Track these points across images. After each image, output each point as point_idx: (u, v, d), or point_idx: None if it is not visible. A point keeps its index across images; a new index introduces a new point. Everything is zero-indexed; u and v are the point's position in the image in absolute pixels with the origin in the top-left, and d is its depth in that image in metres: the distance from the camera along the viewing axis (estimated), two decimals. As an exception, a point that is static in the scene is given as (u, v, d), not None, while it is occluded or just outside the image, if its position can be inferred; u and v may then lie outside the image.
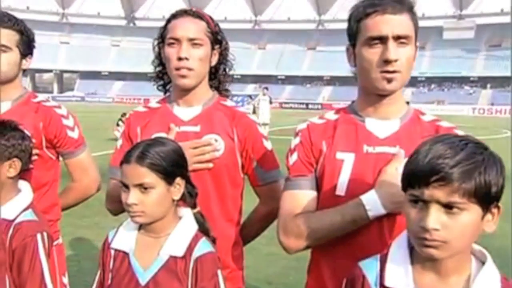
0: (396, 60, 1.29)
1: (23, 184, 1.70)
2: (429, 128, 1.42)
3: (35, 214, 1.63)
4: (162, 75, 1.81)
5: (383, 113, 1.40)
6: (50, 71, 64.59)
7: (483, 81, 55.21)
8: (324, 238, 1.36)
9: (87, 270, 4.20)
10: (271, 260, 4.43)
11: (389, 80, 1.32)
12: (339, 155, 1.39)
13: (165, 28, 1.70)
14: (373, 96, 1.39)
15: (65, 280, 1.99)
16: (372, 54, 1.32)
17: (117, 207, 1.70)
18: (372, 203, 1.30)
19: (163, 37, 1.71)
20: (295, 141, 1.48)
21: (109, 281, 1.41)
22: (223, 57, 1.78)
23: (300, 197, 1.42)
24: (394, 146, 1.38)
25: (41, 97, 2.03)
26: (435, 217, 0.94)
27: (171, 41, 1.65)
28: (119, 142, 1.80)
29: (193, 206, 1.48)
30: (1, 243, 1.53)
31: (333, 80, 61.12)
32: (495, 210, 0.99)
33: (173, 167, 1.38)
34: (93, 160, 2.12)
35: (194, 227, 1.43)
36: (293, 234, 1.38)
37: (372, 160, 1.37)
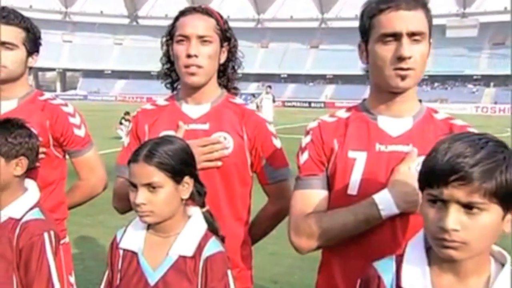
0: (410, 57, 1.27)
1: (29, 183, 1.68)
2: (443, 126, 1.40)
3: (42, 213, 1.61)
4: (170, 73, 1.79)
5: (396, 111, 1.38)
6: (53, 69, 64.66)
7: (486, 80, 55.01)
8: (336, 238, 1.34)
9: (92, 268, 4.19)
10: (276, 259, 4.42)
11: (403, 78, 1.29)
12: (351, 154, 1.37)
13: (173, 25, 1.68)
14: (385, 93, 1.37)
15: (72, 279, 1.98)
16: (386, 51, 1.29)
17: (124, 205, 1.69)
18: (385, 202, 1.28)
19: (171, 35, 1.69)
20: (306, 139, 1.45)
21: (118, 281, 1.39)
22: (232, 55, 1.76)
23: (311, 197, 1.40)
24: (407, 144, 1.35)
25: (47, 95, 2.02)
26: (455, 218, 0.92)
27: (180, 38, 1.63)
28: (127, 140, 1.78)
29: (202, 205, 1.46)
30: (8, 242, 1.52)
31: (336, 79, 61.06)
32: None
33: (182, 165, 1.37)
34: (100, 159, 2.11)
35: (204, 226, 1.41)
36: (304, 234, 1.36)
37: (385, 158, 1.35)
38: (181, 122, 1.67)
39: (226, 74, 1.78)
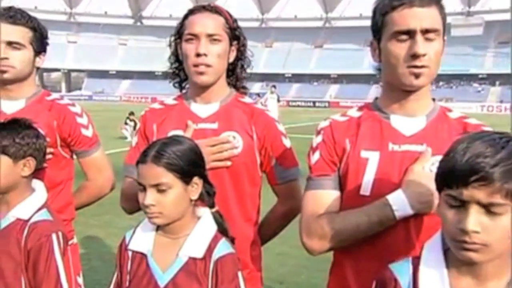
0: (424, 55, 1.24)
1: (37, 184, 1.67)
2: (457, 125, 1.37)
3: (50, 213, 1.60)
4: (178, 72, 1.77)
5: (409, 109, 1.36)
6: (58, 70, 64.92)
7: (492, 78, 54.75)
8: (349, 239, 1.32)
9: (98, 269, 4.19)
10: (283, 259, 4.40)
11: (417, 75, 1.27)
12: (364, 154, 1.34)
13: (182, 23, 1.66)
14: (398, 92, 1.34)
15: (80, 280, 1.97)
16: (399, 48, 1.27)
17: (132, 206, 1.67)
18: (399, 203, 1.26)
19: (180, 33, 1.67)
20: (317, 139, 1.43)
21: (127, 283, 1.38)
22: (241, 54, 1.74)
23: (323, 197, 1.37)
24: (420, 144, 1.33)
25: (54, 95, 2.01)
26: (475, 219, 0.89)
27: (189, 37, 1.61)
28: (134, 140, 1.76)
29: (211, 206, 1.44)
30: (16, 243, 1.51)
31: (340, 78, 60.96)
32: None
33: (190, 166, 1.35)
34: (108, 159, 2.10)
35: (213, 227, 1.39)
36: (316, 235, 1.34)
37: (398, 158, 1.32)
38: (190, 121, 1.65)
39: (235, 73, 1.76)
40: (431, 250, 1.04)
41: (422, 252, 1.05)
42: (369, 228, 1.29)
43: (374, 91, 58.34)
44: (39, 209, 1.58)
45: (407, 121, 1.35)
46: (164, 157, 1.30)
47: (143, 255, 1.37)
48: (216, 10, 1.65)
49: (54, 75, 70.60)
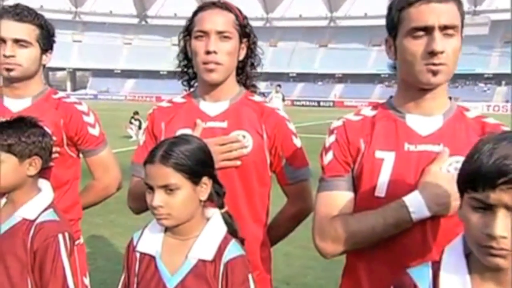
0: (442, 52, 1.20)
1: (43, 183, 1.65)
2: (474, 125, 1.33)
3: (56, 214, 1.58)
4: (187, 70, 1.74)
5: (425, 108, 1.32)
6: (63, 69, 65.17)
7: (498, 78, 54.42)
8: (363, 242, 1.28)
9: (104, 268, 4.18)
10: (289, 260, 4.37)
11: (435, 73, 1.23)
12: (379, 154, 1.30)
13: (191, 20, 1.63)
14: (415, 90, 1.30)
15: (86, 281, 1.95)
16: (416, 45, 1.23)
17: (140, 206, 1.64)
18: (416, 204, 1.22)
19: (189, 30, 1.64)
20: (330, 139, 1.39)
21: (135, 286, 1.34)
22: (251, 51, 1.70)
23: (336, 199, 1.34)
24: (437, 144, 1.29)
25: (61, 93, 1.98)
26: (504, 224, 0.85)
27: (199, 34, 1.57)
28: (142, 138, 1.73)
29: (221, 206, 1.41)
30: (22, 244, 1.48)
31: (345, 78, 60.85)
32: None
33: (199, 166, 1.31)
34: (115, 158, 2.07)
35: (223, 228, 1.36)
36: (330, 237, 1.30)
37: (414, 159, 1.28)
38: (199, 120, 1.62)
39: (245, 71, 1.72)
40: (452, 254, 1.00)
41: (442, 256, 1.01)
42: (385, 230, 1.25)
43: (378, 91, 58.25)
44: (46, 209, 1.55)
45: (423, 120, 1.31)
46: (172, 157, 1.27)
47: (151, 257, 1.34)
48: (226, 7, 1.61)
49: (59, 74, 70.86)
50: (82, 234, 2.01)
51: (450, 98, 1.37)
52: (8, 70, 1.80)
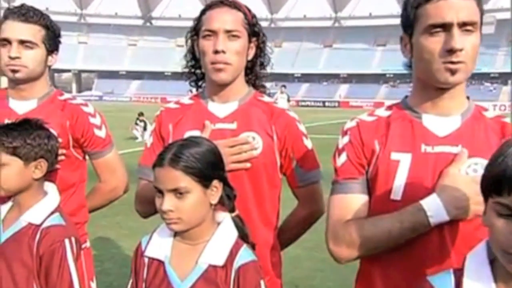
0: (461, 50, 1.16)
1: (49, 186, 1.62)
2: (494, 125, 1.28)
3: (62, 218, 1.54)
4: (195, 70, 1.70)
5: (443, 108, 1.27)
6: (68, 71, 65.41)
7: (504, 78, 54.07)
8: (379, 247, 1.24)
9: (110, 271, 4.16)
10: (297, 262, 4.32)
11: (453, 72, 1.18)
12: (394, 156, 1.26)
13: (199, 19, 1.59)
14: (431, 89, 1.26)
15: (93, 285, 1.92)
16: (434, 43, 1.18)
17: (148, 209, 1.61)
18: (434, 208, 1.17)
19: (196, 30, 1.60)
20: (343, 140, 1.35)
21: (143, 291, 1.31)
22: (260, 51, 1.66)
23: (350, 202, 1.29)
24: (455, 145, 1.24)
25: (67, 95, 1.96)
26: None
27: (207, 33, 1.54)
28: (149, 140, 1.70)
29: (232, 210, 1.37)
30: (28, 249, 1.45)
31: (350, 78, 60.71)
32: None
33: (210, 169, 1.28)
34: (121, 160, 2.04)
35: (234, 233, 1.32)
36: (344, 242, 1.26)
37: (431, 160, 1.24)
38: (208, 121, 1.58)
39: (254, 71, 1.68)
40: (475, 261, 0.95)
41: (464, 263, 0.97)
42: (401, 235, 1.20)
43: (384, 91, 58.08)
44: (52, 213, 1.52)
45: (441, 120, 1.27)
46: (182, 160, 1.23)
47: (160, 262, 1.30)
48: (235, 5, 1.57)
49: (64, 75, 71.12)
50: (89, 236, 1.98)
51: (468, 97, 1.32)
52: (14, 71, 1.77)
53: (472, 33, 1.18)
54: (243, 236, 1.35)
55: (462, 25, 1.17)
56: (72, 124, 1.84)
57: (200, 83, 1.73)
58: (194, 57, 1.67)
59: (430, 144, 1.25)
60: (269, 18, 72.71)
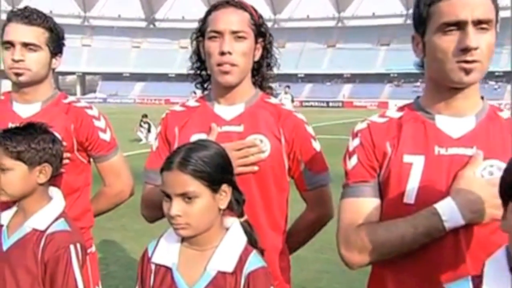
0: (476, 48, 1.12)
1: (54, 191, 1.59)
2: (509, 125, 1.24)
3: (67, 223, 1.52)
4: (200, 72, 1.67)
5: (457, 109, 1.23)
6: (73, 73, 65.64)
7: (508, 76, 53.74)
8: (392, 252, 1.20)
9: (115, 274, 4.14)
10: (303, 264, 4.29)
11: (468, 71, 1.15)
12: (407, 158, 1.22)
13: (204, 20, 1.56)
14: (445, 90, 1.22)
15: (99, 290, 1.89)
16: (447, 42, 1.15)
17: (154, 214, 1.58)
18: (449, 212, 1.14)
19: (202, 31, 1.57)
20: (354, 142, 1.31)
21: (150, 299, 1.28)
22: (267, 52, 1.63)
23: (362, 206, 1.26)
24: (470, 147, 1.21)
25: (71, 97, 1.94)
26: None
27: (213, 34, 1.51)
28: (155, 144, 1.67)
29: (241, 215, 1.34)
30: (33, 256, 1.43)
31: (354, 78, 60.58)
32: None
33: (219, 173, 1.25)
34: (126, 164, 2.01)
35: (244, 239, 1.29)
36: (356, 247, 1.22)
37: (445, 163, 1.20)
38: (214, 124, 1.55)
39: (261, 72, 1.65)
40: (494, 268, 0.92)
41: (483, 270, 0.93)
42: (415, 240, 1.17)
43: (388, 90, 57.92)
44: (56, 218, 1.50)
45: (455, 121, 1.23)
46: (191, 163, 1.21)
47: (168, 269, 1.27)
48: (241, 5, 1.54)
49: (69, 78, 71.36)
50: (94, 239, 1.96)
51: (482, 97, 1.28)
52: (17, 74, 1.75)
53: (487, 31, 1.15)
54: (252, 242, 1.32)
55: (477, 23, 1.13)
56: (77, 128, 1.82)
57: (206, 85, 1.70)
58: (200, 59, 1.64)
59: (443, 146, 1.22)
60: (272, 18, 72.67)
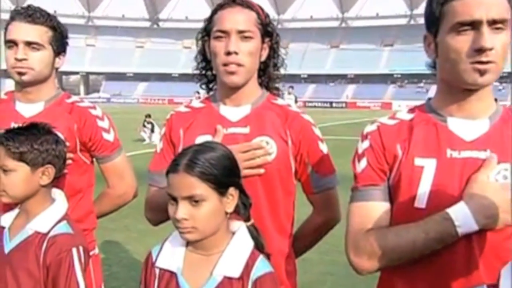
0: (491, 49, 1.09)
1: (57, 193, 1.57)
2: None
3: (70, 226, 1.50)
4: (205, 72, 1.64)
5: (470, 111, 1.20)
6: (76, 73, 65.83)
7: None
8: (402, 258, 1.17)
9: (118, 275, 4.12)
10: (307, 266, 4.25)
11: (482, 72, 1.11)
12: (418, 161, 1.19)
13: (210, 20, 1.53)
14: (458, 91, 1.19)
15: (102, 291, 1.86)
16: (461, 42, 1.12)
17: (157, 217, 1.56)
18: (462, 217, 1.10)
19: (207, 30, 1.54)
20: (364, 145, 1.28)
21: (154, 304, 1.25)
22: (274, 52, 1.60)
23: (371, 210, 1.23)
24: (484, 150, 1.17)
25: (75, 97, 1.91)
26: None
27: (219, 34, 1.48)
28: (159, 145, 1.64)
29: (247, 219, 1.31)
30: (35, 259, 1.40)
31: (357, 78, 60.50)
32: None
33: (226, 175, 1.22)
34: (130, 164, 1.98)
35: (250, 243, 1.26)
36: (365, 253, 1.19)
37: (458, 166, 1.17)
38: (219, 125, 1.52)
39: (267, 72, 1.62)
40: (511, 277, 0.88)
41: (499, 279, 0.90)
42: (426, 245, 1.14)
43: (391, 91, 57.81)
44: (59, 221, 1.47)
45: (468, 124, 1.20)
46: (198, 165, 1.18)
47: (172, 274, 1.24)
48: (248, 5, 1.51)
49: (72, 78, 71.59)
50: (96, 240, 1.94)
51: (495, 99, 1.25)
52: (20, 74, 1.73)
53: (502, 31, 1.11)
54: (259, 246, 1.29)
55: (492, 22, 1.10)
56: (80, 128, 1.80)
57: (211, 86, 1.68)
58: (205, 59, 1.61)
59: (456, 149, 1.18)
60: (276, 19, 72.61)
